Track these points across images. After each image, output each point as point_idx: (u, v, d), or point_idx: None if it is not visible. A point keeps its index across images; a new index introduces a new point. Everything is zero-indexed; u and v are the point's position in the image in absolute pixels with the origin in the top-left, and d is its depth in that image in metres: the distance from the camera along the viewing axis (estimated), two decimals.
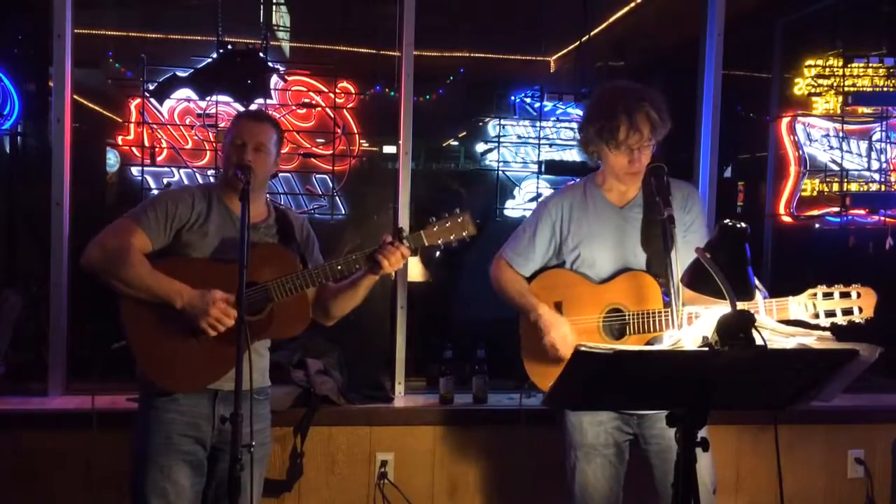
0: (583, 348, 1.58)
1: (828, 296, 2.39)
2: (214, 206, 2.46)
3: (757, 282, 2.04)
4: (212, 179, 3.59)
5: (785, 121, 4.16)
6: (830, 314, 2.37)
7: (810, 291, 2.41)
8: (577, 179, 2.86)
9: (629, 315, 2.51)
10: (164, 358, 2.35)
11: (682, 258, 2.28)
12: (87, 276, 2.34)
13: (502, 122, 4.07)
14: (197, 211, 2.42)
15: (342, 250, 3.52)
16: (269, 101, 3.68)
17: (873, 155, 4.21)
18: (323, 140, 3.79)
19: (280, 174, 3.76)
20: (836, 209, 4.11)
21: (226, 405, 2.34)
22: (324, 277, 2.41)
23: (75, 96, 3.44)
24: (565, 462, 2.65)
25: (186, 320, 2.31)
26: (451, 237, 2.41)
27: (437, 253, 4.24)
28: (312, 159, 3.78)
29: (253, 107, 3.59)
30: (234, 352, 2.11)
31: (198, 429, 2.39)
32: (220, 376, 2.36)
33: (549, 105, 4.08)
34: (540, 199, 2.77)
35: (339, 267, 2.40)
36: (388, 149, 4.03)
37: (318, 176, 3.83)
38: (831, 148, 4.20)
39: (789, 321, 2.26)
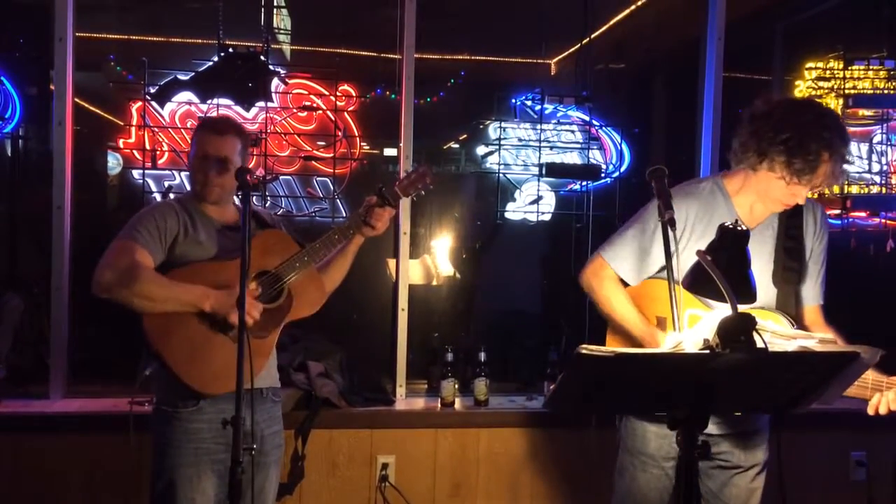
0: (583, 350, 1.58)
1: None
2: (195, 215, 2.47)
3: None
4: None
5: None
6: None
7: None
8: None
9: None
10: (202, 364, 2.34)
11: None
12: (103, 299, 2.30)
13: (503, 124, 4.07)
14: (182, 221, 2.43)
15: None
16: (270, 104, 3.69)
17: (874, 157, 4.21)
18: (324, 143, 3.80)
19: (281, 177, 3.78)
20: (837, 211, 4.12)
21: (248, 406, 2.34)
22: (324, 249, 2.52)
23: (76, 99, 3.43)
24: (617, 465, 2.49)
25: (216, 321, 2.33)
26: (419, 186, 2.62)
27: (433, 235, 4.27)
28: (313, 162, 3.79)
29: (250, 110, 3.59)
30: (264, 346, 2.41)
31: (226, 434, 2.37)
32: (257, 372, 2.37)
33: (549, 108, 4.09)
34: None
35: (336, 236, 2.53)
36: (389, 151, 4.04)
37: (319, 179, 3.83)
38: None
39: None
